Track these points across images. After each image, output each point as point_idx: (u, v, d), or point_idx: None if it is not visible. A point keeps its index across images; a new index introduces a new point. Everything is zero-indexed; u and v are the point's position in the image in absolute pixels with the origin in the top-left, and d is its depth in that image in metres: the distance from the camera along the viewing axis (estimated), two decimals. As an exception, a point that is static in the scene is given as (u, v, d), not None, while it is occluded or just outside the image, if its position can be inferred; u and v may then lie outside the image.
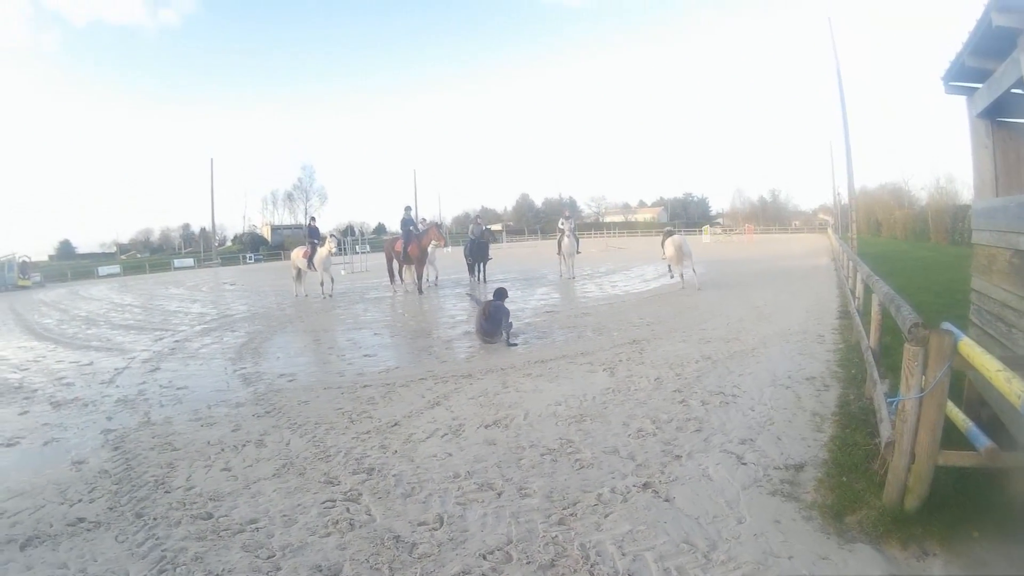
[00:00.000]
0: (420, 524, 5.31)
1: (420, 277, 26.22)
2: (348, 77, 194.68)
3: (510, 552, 4.78)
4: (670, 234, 23.70)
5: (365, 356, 13.09)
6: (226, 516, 5.70)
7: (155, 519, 5.76)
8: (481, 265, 29.12)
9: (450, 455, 6.91)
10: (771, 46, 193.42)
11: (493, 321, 13.48)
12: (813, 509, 5.18)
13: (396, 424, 8.16)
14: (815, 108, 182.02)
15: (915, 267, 26.57)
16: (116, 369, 13.51)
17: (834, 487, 5.51)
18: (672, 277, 26.12)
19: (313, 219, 28.71)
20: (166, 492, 6.41)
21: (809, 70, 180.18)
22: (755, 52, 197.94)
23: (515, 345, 13.28)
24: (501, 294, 14.30)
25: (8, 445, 8.74)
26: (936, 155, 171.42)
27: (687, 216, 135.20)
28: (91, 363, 14.66)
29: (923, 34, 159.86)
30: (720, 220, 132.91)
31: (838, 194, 70.16)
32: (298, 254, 27.48)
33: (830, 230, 71.19)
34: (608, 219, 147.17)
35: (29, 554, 5.38)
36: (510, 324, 13.70)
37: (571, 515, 5.29)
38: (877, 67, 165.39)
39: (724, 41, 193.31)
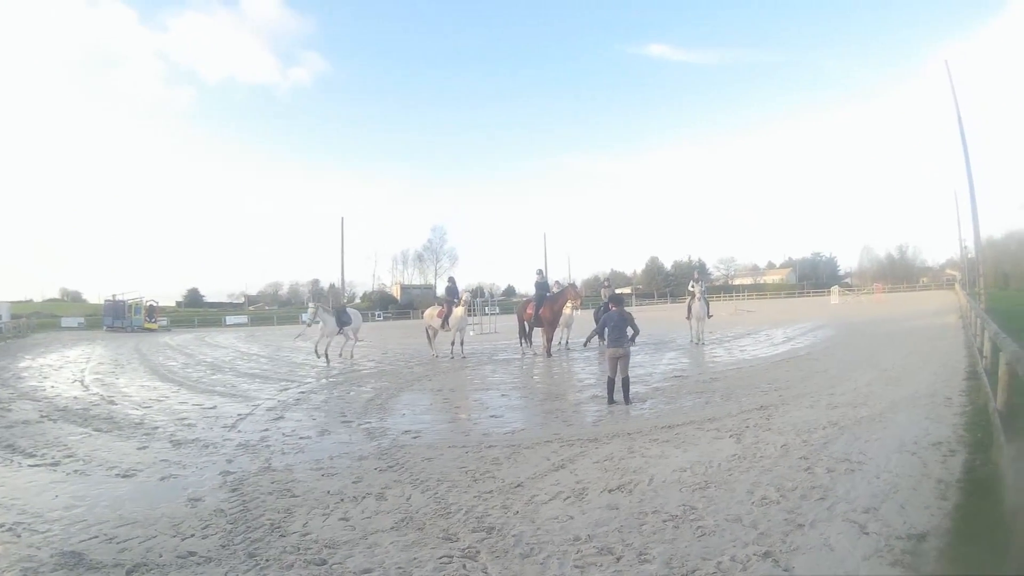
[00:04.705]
0: (536, 585, 5.21)
1: (550, 340, 25.52)
2: (479, 137, 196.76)
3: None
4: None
5: (492, 417, 12.97)
6: (340, 564, 5.73)
7: (268, 560, 5.84)
8: None
9: (572, 518, 6.77)
10: (892, 97, 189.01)
11: (620, 329, 13.33)
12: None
13: (519, 485, 8.07)
14: (939, 156, 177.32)
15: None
16: (239, 415, 13.84)
17: (956, 558, 5.32)
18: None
19: (452, 279, 28.45)
20: (281, 536, 6.50)
21: (930, 116, 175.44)
22: (876, 104, 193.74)
23: (631, 403, 13.25)
24: (618, 300, 14.20)
25: (124, 476, 9.08)
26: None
27: (816, 277, 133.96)
28: (214, 407, 15.12)
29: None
30: (848, 280, 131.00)
31: (965, 247, 68.24)
32: (432, 313, 27.07)
33: (957, 286, 69.53)
34: (737, 281, 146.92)
35: (135, 580, 5.48)
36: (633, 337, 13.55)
37: (690, 582, 5.14)
38: (1000, 106, 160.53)
39: (845, 96, 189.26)
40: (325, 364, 23.93)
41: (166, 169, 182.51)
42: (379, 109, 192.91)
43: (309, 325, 24.84)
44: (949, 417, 10.64)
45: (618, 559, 5.63)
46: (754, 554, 5.59)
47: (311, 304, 24.87)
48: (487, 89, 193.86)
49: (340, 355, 25.50)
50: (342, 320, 24.86)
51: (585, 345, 16.32)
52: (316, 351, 24.75)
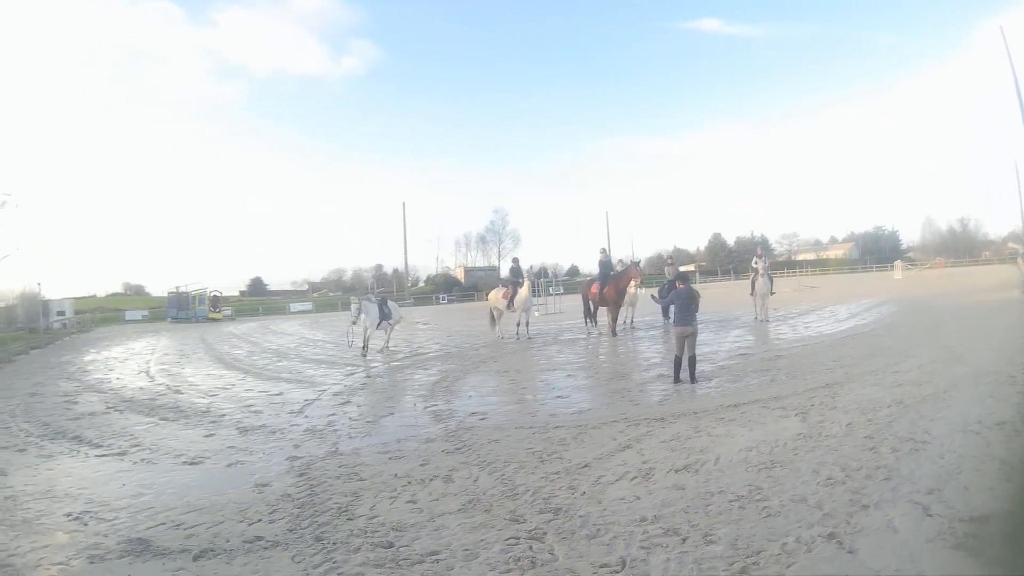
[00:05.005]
0: (602, 566, 5.28)
1: (615, 319, 25.87)
2: (538, 122, 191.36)
3: (688, 599, 4.69)
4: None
5: (558, 397, 13.07)
6: (407, 547, 5.83)
7: (335, 544, 5.96)
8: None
9: (638, 498, 6.86)
10: (953, 66, 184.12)
11: (689, 307, 13.22)
12: (995, 565, 4.97)
13: (586, 466, 8.12)
14: (1000, 127, 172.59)
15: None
16: (306, 400, 14.06)
17: (1018, 541, 5.30)
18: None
19: (516, 260, 28.19)
20: (348, 519, 6.62)
21: (991, 86, 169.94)
22: (937, 74, 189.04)
23: (697, 382, 13.26)
24: (685, 277, 14.12)
25: (191, 463, 9.33)
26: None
27: (878, 251, 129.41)
28: (280, 393, 15.40)
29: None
30: (911, 254, 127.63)
31: (1027, 220, 66.77)
32: (497, 295, 27.09)
33: (1020, 259, 68.18)
34: (800, 257, 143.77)
35: (202, 565, 5.71)
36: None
37: (754, 564, 5.19)
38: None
39: (905, 66, 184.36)
40: (363, 357, 22.36)
41: (224, 162, 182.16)
42: (434, 95, 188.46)
43: (355, 323, 23.05)
44: (1013, 396, 10.47)
45: (684, 540, 5.67)
46: (819, 535, 5.59)
47: (353, 299, 23.79)
48: (548, 73, 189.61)
49: (380, 350, 23.93)
50: (383, 312, 23.49)
51: (653, 298, 16.32)
52: (363, 349, 23.12)
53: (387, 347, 24.63)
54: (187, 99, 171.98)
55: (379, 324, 23.27)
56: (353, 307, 22.82)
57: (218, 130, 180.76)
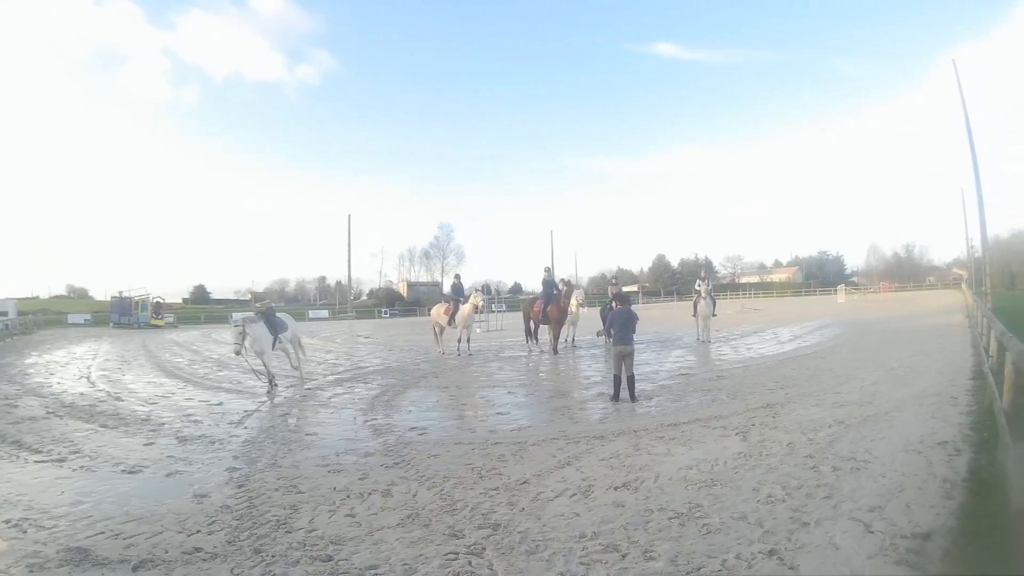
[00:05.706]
0: (542, 582, 5.22)
1: (557, 338, 25.51)
2: (487, 137, 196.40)
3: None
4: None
5: (498, 414, 12.97)
6: (346, 560, 5.77)
7: (274, 556, 5.89)
8: None
9: (578, 515, 6.81)
10: (901, 96, 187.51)
11: (629, 327, 13.42)
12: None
13: (525, 482, 8.09)
14: (948, 155, 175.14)
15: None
16: (246, 411, 13.98)
17: (960, 557, 5.33)
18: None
19: (458, 276, 28.53)
20: (287, 532, 6.54)
21: (940, 116, 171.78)
22: (885, 104, 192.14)
23: (637, 400, 13.31)
24: (623, 298, 14.33)
25: (131, 472, 9.17)
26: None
27: (823, 275, 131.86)
28: (221, 403, 15.28)
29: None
30: (855, 279, 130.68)
31: (972, 246, 68.16)
32: (439, 311, 26.86)
33: (964, 285, 69.52)
34: (744, 280, 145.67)
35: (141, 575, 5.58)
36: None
37: (695, 579, 5.15)
38: (1009, 106, 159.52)
39: (854, 95, 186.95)
40: (269, 389, 17.23)
41: (173, 166, 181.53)
42: (387, 109, 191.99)
43: (238, 353, 16.80)
44: (955, 416, 10.62)
45: (623, 556, 5.65)
46: (759, 552, 5.60)
47: (235, 323, 18.68)
48: (495, 91, 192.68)
49: (270, 388, 17.34)
50: (273, 324, 17.88)
51: (598, 335, 16.26)
52: (268, 381, 17.42)
53: (301, 379, 18.93)
54: (144, 100, 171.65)
55: (274, 345, 17.85)
56: (235, 330, 17.19)
57: (170, 133, 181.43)
